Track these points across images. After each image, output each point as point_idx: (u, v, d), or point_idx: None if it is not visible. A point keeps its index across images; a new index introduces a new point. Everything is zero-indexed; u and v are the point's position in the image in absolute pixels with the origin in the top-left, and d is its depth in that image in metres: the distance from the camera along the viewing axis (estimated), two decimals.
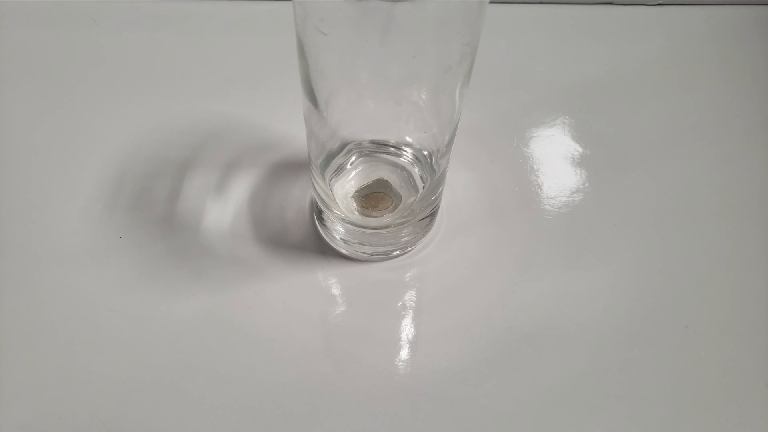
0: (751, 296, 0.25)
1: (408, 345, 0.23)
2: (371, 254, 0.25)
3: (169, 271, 0.25)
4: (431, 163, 0.23)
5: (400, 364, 0.23)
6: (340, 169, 0.24)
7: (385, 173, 0.25)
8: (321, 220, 0.25)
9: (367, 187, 0.25)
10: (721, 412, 0.22)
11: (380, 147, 0.25)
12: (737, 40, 0.35)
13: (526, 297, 0.25)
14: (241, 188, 0.27)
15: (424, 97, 0.20)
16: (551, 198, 0.28)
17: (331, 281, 0.25)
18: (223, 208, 0.27)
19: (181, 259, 0.25)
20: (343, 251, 0.25)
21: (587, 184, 0.28)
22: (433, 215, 0.25)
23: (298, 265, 0.25)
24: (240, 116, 0.30)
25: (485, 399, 0.22)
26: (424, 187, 0.24)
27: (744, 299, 0.25)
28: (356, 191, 0.25)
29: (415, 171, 0.25)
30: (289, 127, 0.29)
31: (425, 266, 0.25)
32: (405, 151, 0.25)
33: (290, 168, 0.28)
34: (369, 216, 0.24)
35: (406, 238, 0.25)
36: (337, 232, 0.25)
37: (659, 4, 0.36)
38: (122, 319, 0.23)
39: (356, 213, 0.24)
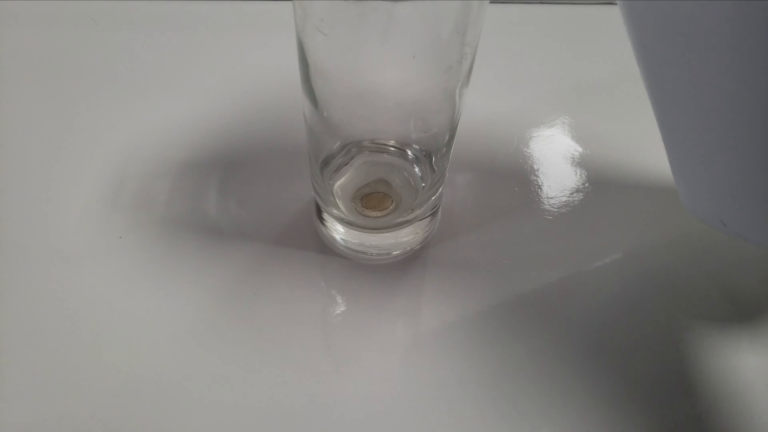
0: (751, 296, 0.25)
1: (408, 345, 0.23)
2: (371, 254, 0.25)
3: (169, 271, 0.25)
4: (431, 163, 0.23)
5: (401, 364, 0.23)
6: (339, 169, 0.24)
7: (385, 173, 0.25)
8: (321, 220, 0.25)
9: (367, 186, 0.25)
10: (720, 412, 0.22)
11: (380, 147, 0.25)
12: None
13: (526, 297, 0.25)
14: (241, 188, 0.27)
15: (424, 97, 0.20)
16: (551, 198, 0.28)
17: (331, 281, 0.25)
18: (223, 208, 0.27)
19: (181, 259, 0.25)
20: (343, 251, 0.25)
21: (587, 184, 0.28)
22: (433, 215, 0.25)
23: (298, 265, 0.25)
24: (240, 116, 0.30)
25: (485, 399, 0.22)
26: (424, 187, 0.24)
27: (744, 299, 0.25)
28: (356, 191, 0.25)
29: (415, 171, 0.25)
30: (289, 127, 0.29)
31: (425, 266, 0.25)
32: (405, 151, 0.25)
33: (290, 168, 0.28)
34: (369, 216, 0.24)
35: (406, 238, 0.25)
36: (337, 232, 0.25)
37: None
38: (122, 319, 0.23)
39: (356, 213, 0.24)
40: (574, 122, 0.31)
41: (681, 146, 0.20)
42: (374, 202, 0.25)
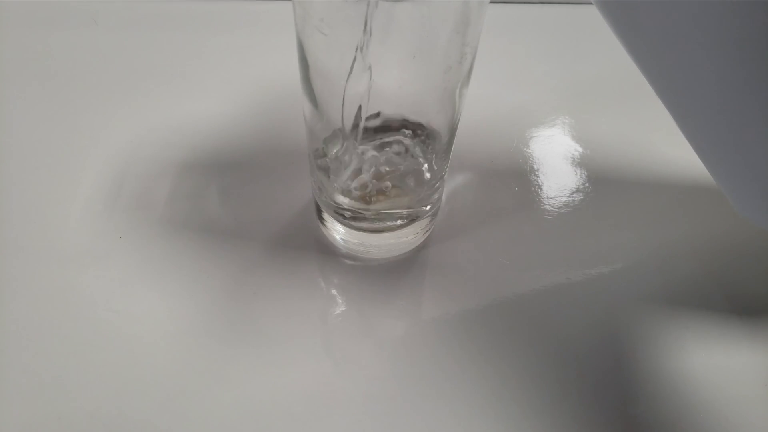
0: (751, 296, 0.25)
1: (408, 345, 0.23)
2: (371, 254, 0.25)
3: (169, 271, 0.25)
4: (431, 163, 0.23)
5: (400, 364, 0.23)
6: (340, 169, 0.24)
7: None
8: (321, 220, 0.25)
9: (367, 186, 0.25)
10: (721, 411, 0.22)
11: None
12: None
13: (526, 297, 0.25)
14: (241, 188, 0.27)
15: (424, 97, 0.20)
16: (551, 198, 0.28)
17: (331, 281, 0.25)
18: (223, 208, 0.27)
19: (181, 259, 0.25)
20: (343, 251, 0.25)
21: (587, 184, 0.28)
22: (433, 215, 0.25)
23: (298, 265, 0.25)
24: (240, 116, 0.30)
25: (485, 398, 0.22)
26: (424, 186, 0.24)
27: (744, 299, 0.25)
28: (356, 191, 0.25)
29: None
30: (289, 127, 0.29)
31: (425, 266, 0.25)
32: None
33: (290, 168, 0.28)
34: (369, 215, 0.24)
35: (406, 238, 0.25)
36: (337, 232, 0.25)
37: None
38: (122, 319, 0.23)
39: (356, 212, 0.24)
40: (574, 122, 0.31)
41: (715, 155, 0.20)
42: (374, 201, 0.25)
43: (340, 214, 0.24)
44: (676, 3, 0.15)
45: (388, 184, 0.24)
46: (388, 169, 0.24)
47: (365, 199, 0.24)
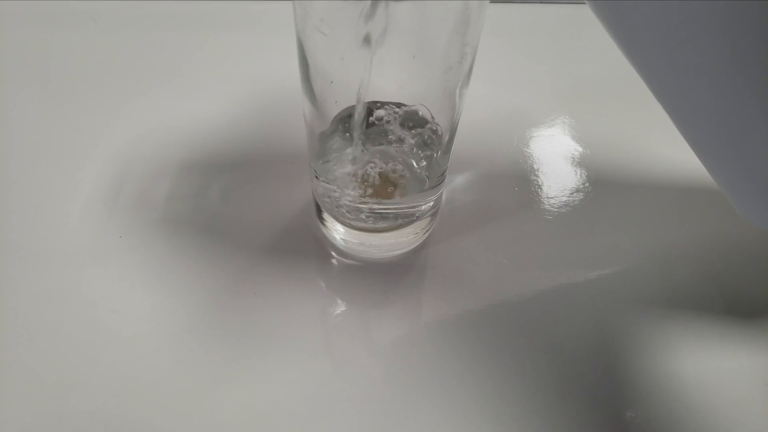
0: (751, 296, 0.25)
1: (408, 345, 0.23)
2: (371, 254, 0.25)
3: (169, 271, 0.25)
4: (431, 163, 0.23)
5: (400, 363, 0.23)
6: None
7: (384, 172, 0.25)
8: (321, 220, 0.25)
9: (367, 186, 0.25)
10: (721, 412, 0.22)
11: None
12: None
13: (526, 298, 0.25)
14: (241, 188, 0.27)
15: (424, 97, 0.20)
16: (551, 198, 0.28)
17: (331, 281, 0.25)
18: (224, 208, 0.27)
19: (180, 259, 0.25)
20: (343, 251, 0.25)
21: (587, 184, 0.28)
22: (433, 215, 0.25)
23: (298, 265, 0.25)
24: (240, 116, 0.30)
25: (485, 399, 0.22)
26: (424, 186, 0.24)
27: (744, 299, 0.25)
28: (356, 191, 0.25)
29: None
30: (289, 126, 0.29)
31: (425, 266, 0.25)
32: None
33: (290, 168, 0.28)
34: (368, 215, 0.24)
35: (406, 238, 0.25)
36: (337, 232, 0.25)
37: None
38: (122, 319, 0.23)
39: (356, 211, 0.24)
40: (574, 122, 0.31)
41: (714, 156, 0.20)
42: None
43: (339, 213, 0.24)
44: (668, 3, 0.15)
45: (388, 183, 0.24)
46: (387, 168, 0.24)
47: (365, 198, 0.24)
